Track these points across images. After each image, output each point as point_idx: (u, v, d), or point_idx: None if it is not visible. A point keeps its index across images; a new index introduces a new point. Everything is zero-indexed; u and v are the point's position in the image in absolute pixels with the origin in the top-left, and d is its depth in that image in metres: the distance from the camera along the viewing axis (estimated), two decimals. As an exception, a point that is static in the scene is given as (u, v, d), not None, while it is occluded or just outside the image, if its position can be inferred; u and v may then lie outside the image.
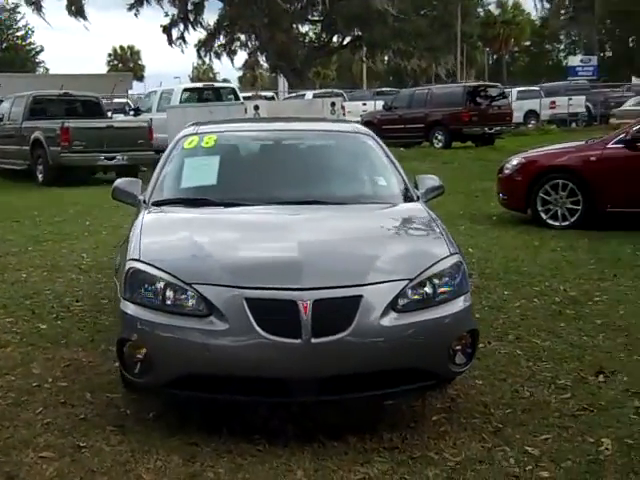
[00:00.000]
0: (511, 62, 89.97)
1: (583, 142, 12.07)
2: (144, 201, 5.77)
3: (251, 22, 37.88)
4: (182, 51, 65.71)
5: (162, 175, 5.99)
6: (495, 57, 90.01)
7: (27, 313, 7.12)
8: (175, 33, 40.65)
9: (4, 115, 21.05)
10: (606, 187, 10.84)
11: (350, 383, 4.43)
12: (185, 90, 24.40)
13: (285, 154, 6.43)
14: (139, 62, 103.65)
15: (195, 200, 5.67)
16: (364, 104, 38.69)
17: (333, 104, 20.82)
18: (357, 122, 9.01)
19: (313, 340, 4.19)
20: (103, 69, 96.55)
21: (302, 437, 4.47)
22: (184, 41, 41.47)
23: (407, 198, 5.86)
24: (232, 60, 45.52)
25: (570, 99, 38.78)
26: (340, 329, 4.25)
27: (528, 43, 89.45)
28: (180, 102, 23.05)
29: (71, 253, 9.93)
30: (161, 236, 5.09)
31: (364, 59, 52.76)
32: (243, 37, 41.72)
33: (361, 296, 4.34)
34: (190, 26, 40.27)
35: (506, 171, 11.84)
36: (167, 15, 40.04)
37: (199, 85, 27.31)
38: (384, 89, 46.17)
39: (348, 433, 4.51)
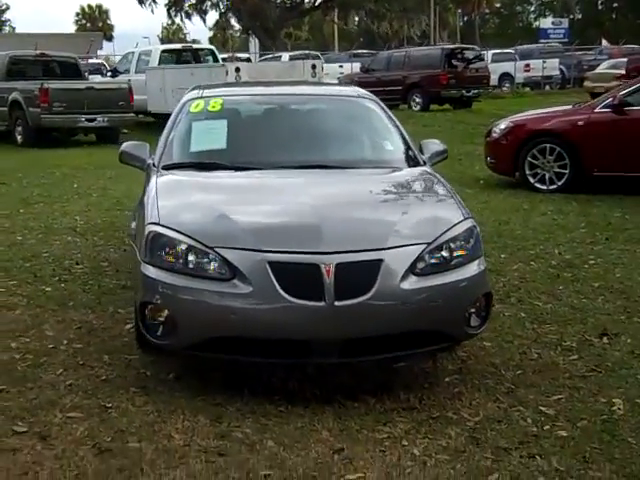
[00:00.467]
0: (482, 24, 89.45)
1: (570, 106, 12.18)
2: (153, 164, 5.79)
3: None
4: (152, 11, 65.15)
5: (170, 139, 6.01)
6: (466, 19, 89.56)
7: (29, 276, 7.11)
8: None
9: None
10: (593, 151, 10.96)
11: (369, 345, 4.51)
12: (164, 52, 24.08)
13: (292, 118, 6.45)
14: (108, 21, 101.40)
15: (205, 164, 5.71)
16: (340, 66, 38.56)
17: (314, 67, 20.79)
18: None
19: (336, 303, 4.25)
20: (71, 28, 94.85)
21: (321, 398, 4.56)
22: (154, 1, 40.99)
23: (414, 162, 5.92)
24: (204, 20, 45.07)
25: (544, 62, 38.88)
26: (362, 292, 4.31)
27: (499, 5, 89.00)
28: (159, 64, 22.81)
29: (64, 215, 9.90)
30: (178, 199, 5.11)
31: (336, 20, 52.42)
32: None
33: (382, 260, 4.41)
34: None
35: (494, 135, 11.92)
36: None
37: (178, 46, 26.94)
38: (360, 51, 45.82)
39: (365, 394, 4.60)
